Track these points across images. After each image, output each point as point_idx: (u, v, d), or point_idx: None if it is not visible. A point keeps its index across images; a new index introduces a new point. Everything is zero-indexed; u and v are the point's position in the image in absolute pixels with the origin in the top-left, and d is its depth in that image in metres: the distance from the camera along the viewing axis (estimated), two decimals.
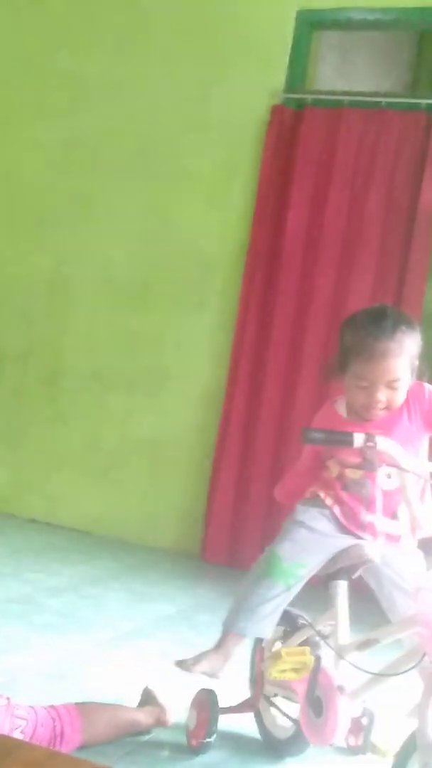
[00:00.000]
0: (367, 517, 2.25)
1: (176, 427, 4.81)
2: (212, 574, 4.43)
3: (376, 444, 1.97)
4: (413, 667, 1.93)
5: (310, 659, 2.17)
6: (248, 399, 4.58)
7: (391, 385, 2.16)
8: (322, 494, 2.29)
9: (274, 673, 2.23)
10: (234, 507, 4.59)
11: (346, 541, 2.24)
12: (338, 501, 2.27)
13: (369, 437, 1.98)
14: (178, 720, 2.51)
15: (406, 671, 1.98)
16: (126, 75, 4.98)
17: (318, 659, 2.17)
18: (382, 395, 2.16)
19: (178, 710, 2.55)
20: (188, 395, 4.80)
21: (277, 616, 2.31)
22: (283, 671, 2.22)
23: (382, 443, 1.99)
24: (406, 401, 2.21)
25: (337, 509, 2.27)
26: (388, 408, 2.18)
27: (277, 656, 2.23)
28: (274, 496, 2.50)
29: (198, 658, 2.36)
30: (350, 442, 1.99)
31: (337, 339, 2.31)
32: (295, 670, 2.21)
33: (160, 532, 4.79)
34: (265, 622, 2.31)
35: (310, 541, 2.26)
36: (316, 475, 2.34)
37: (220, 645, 2.38)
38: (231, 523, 4.59)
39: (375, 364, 2.15)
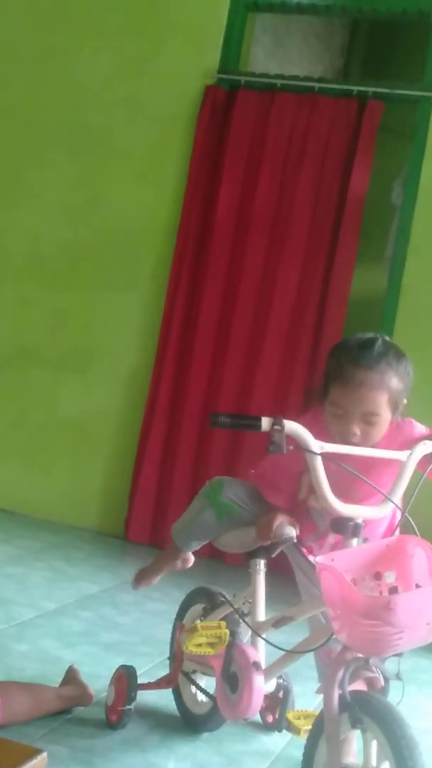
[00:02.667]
0: (309, 541, 2.25)
1: (102, 407, 4.79)
2: (136, 554, 4.44)
3: (283, 427, 1.94)
4: (322, 645, 1.99)
5: (225, 633, 2.21)
6: (174, 380, 4.59)
7: (367, 419, 2.07)
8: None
9: (190, 646, 2.26)
10: (158, 487, 4.60)
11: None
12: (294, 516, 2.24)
13: (276, 420, 1.94)
14: (99, 699, 2.52)
15: (315, 648, 2.04)
16: (58, 47, 4.90)
17: (234, 633, 2.21)
18: (356, 428, 2.07)
19: (101, 690, 2.56)
20: (115, 374, 4.78)
21: (202, 540, 2.45)
22: (199, 645, 2.25)
23: (290, 426, 1.96)
24: (392, 439, 2.12)
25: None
26: (363, 443, 2.08)
27: (193, 630, 2.26)
28: (250, 476, 2.40)
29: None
30: (258, 427, 1.96)
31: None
32: (211, 645, 2.24)
33: (84, 512, 4.77)
34: (192, 540, 2.46)
35: (256, 499, 2.29)
36: (292, 480, 2.26)
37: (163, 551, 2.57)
38: (155, 503, 4.60)
39: (351, 392, 2.06)
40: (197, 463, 4.57)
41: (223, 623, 2.25)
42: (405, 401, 2.15)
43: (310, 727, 2.03)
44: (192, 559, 2.56)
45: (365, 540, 2.11)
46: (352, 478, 2.03)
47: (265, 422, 1.96)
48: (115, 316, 4.79)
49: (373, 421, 2.08)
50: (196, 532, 2.44)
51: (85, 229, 4.85)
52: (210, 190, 4.58)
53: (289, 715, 2.15)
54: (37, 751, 1.42)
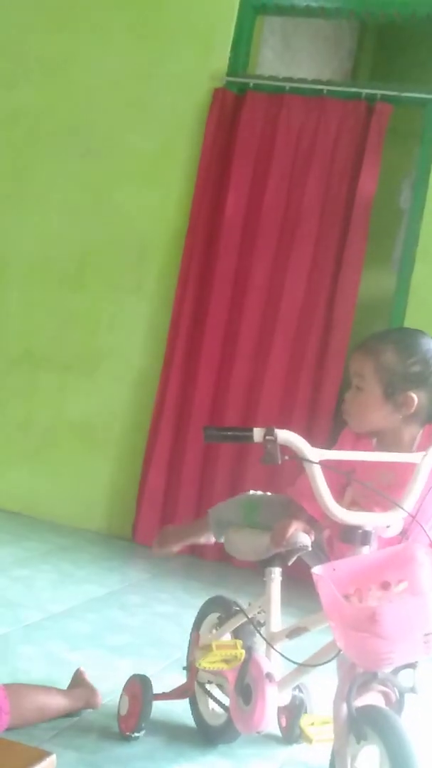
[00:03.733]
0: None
1: (110, 409, 4.79)
2: (143, 556, 4.44)
3: (276, 437, 1.89)
4: (333, 658, 1.93)
5: (240, 653, 2.15)
6: (182, 382, 4.59)
7: (355, 383, 2.14)
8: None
9: (204, 663, 2.22)
10: (165, 489, 4.60)
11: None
12: (331, 528, 2.18)
13: (268, 430, 1.90)
14: (107, 702, 2.52)
15: (327, 661, 1.97)
16: (66, 51, 4.91)
17: (249, 650, 2.16)
18: (348, 394, 2.15)
19: (108, 692, 2.55)
20: (122, 377, 4.78)
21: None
22: (213, 662, 2.21)
23: (283, 435, 1.91)
24: (425, 445, 2.08)
25: (326, 534, 2.22)
26: (351, 416, 2.14)
27: (207, 649, 2.21)
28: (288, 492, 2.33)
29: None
30: (249, 438, 1.92)
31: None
32: (226, 661, 2.20)
33: (91, 514, 4.78)
34: (219, 529, 2.45)
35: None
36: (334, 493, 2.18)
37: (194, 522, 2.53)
38: (162, 506, 4.60)
39: (352, 357, 2.17)
40: (204, 466, 4.57)
41: (239, 642, 2.19)
42: (411, 394, 2.09)
43: (322, 734, 2.00)
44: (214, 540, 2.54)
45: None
46: (383, 486, 1.99)
47: (257, 433, 1.92)
48: (123, 318, 4.79)
49: (359, 385, 2.12)
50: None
51: (92, 232, 4.85)
52: (218, 193, 4.59)
53: (302, 722, 2.10)
54: (45, 754, 1.41)
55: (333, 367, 4.43)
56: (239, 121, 4.56)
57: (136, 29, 4.81)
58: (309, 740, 2.07)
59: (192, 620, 2.95)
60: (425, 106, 4.40)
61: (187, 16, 4.73)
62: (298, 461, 1.94)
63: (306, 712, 2.33)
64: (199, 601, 3.71)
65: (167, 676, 2.75)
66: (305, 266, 4.46)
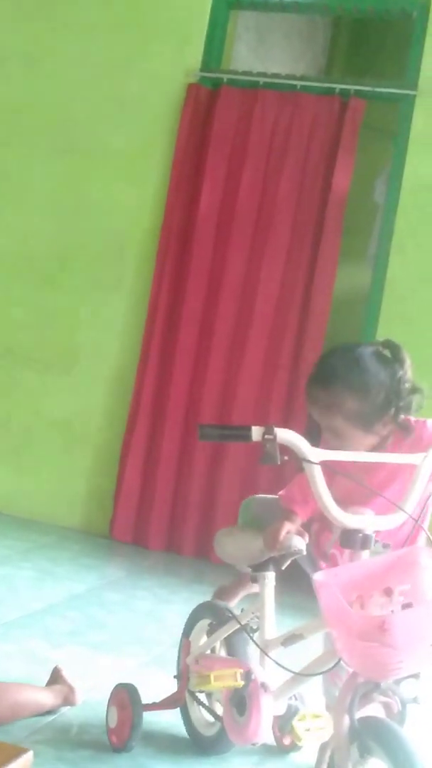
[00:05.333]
0: (330, 548, 2.15)
1: (88, 406, 4.78)
2: (121, 553, 4.44)
3: (275, 436, 1.82)
4: (332, 668, 1.87)
5: (239, 684, 2.05)
6: (158, 380, 4.59)
7: (334, 433, 2.05)
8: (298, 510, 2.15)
9: (197, 687, 2.16)
10: (142, 486, 4.60)
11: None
12: (318, 519, 2.16)
13: (267, 429, 1.82)
14: (86, 699, 2.52)
15: (326, 671, 1.91)
16: (41, 47, 4.89)
17: (249, 677, 2.04)
18: (329, 438, 2.06)
19: (87, 689, 2.56)
20: (100, 375, 4.77)
21: None
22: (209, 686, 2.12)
23: (282, 434, 1.83)
24: (399, 443, 2.06)
25: (315, 527, 2.19)
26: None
27: (204, 680, 2.11)
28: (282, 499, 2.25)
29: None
30: (248, 437, 1.84)
31: None
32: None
33: (70, 511, 4.77)
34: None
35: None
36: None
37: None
38: (139, 502, 4.60)
39: (311, 407, 2.07)
40: (181, 462, 4.57)
41: (239, 673, 2.05)
42: (388, 415, 2.05)
43: (311, 732, 1.97)
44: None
45: (386, 547, 2.03)
46: (371, 492, 1.94)
47: (256, 432, 1.84)
48: (101, 316, 4.78)
49: (340, 437, 2.04)
50: None
51: (70, 229, 4.83)
52: (193, 188, 4.58)
53: (295, 722, 2.04)
54: (22, 751, 1.42)
55: (309, 363, 4.42)
56: (213, 117, 4.56)
57: (111, 25, 4.80)
58: (298, 738, 2.04)
59: (171, 616, 2.98)
60: (399, 102, 4.42)
61: (161, 11, 4.72)
62: (297, 461, 1.88)
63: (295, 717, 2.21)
64: (177, 598, 3.72)
65: (146, 672, 2.76)
66: (280, 261, 4.47)
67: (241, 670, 2.04)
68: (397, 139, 4.43)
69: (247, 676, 2.03)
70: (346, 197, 4.44)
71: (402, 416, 2.07)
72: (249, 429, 1.85)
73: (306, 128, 4.46)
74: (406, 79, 4.39)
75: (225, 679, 2.05)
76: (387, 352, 2.09)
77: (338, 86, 4.48)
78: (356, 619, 1.66)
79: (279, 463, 1.82)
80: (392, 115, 4.51)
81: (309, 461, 1.86)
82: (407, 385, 2.07)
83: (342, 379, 2.02)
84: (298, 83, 4.54)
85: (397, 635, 1.59)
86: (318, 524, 2.16)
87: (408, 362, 2.09)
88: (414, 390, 2.08)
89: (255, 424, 1.87)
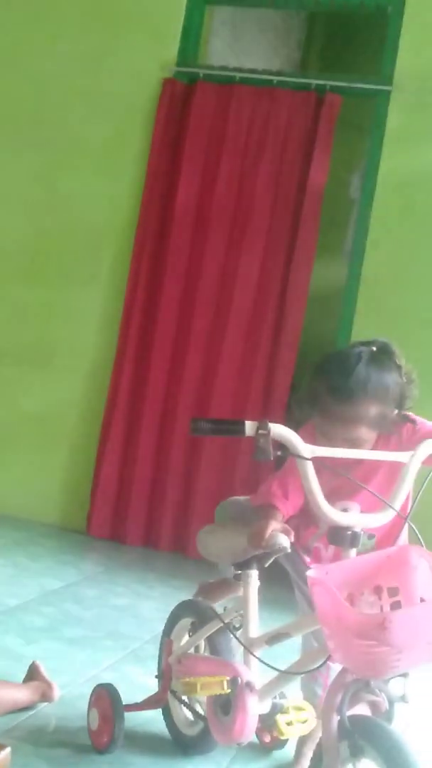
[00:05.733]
0: (314, 542, 2.14)
1: (64, 401, 4.77)
2: (98, 548, 4.43)
3: (269, 431, 1.79)
4: (320, 666, 1.85)
5: (226, 692, 2.00)
6: (135, 374, 4.58)
7: (350, 443, 2.00)
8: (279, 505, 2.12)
9: (183, 690, 2.12)
10: (119, 482, 4.59)
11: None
12: (297, 516, 2.13)
13: (261, 424, 1.80)
14: (64, 695, 2.51)
15: (314, 669, 1.89)
16: (16, 41, 4.86)
17: (235, 684, 1.98)
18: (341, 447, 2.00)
19: (64, 685, 2.55)
20: (76, 369, 4.76)
21: None
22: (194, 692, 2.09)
23: (276, 430, 1.81)
24: (386, 441, 2.06)
25: (292, 523, 2.13)
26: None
27: (191, 687, 2.06)
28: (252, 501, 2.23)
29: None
30: (241, 432, 1.81)
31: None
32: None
33: (46, 507, 4.75)
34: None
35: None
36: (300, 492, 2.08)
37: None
38: (116, 498, 4.59)
39: (329, 422, 2.01)
40: (158, 457, 4.57)
41: (226, 681, 2.01)
42: (392, 411, 2.04)
43: (293, 725, 1.96)
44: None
45: (371, 537, 2.03)
46: (357, 486, 1.93)
47: (249, 427, 1.81)
48: (76, 310, 4.76)
49: (357, 444, 2.01)
50: None
51: (44, 223, 4.81)
52: (169, 183, 4.58)
53: (278, 717, 2.01)
54: (0, 747, 1.41)
55: (286, 357, 4.45)
56: (190, 111, 4.55)
57: (85, 19, 4.78)
58: (281, 733, 2.01)
59: (148, 611, 2.97)
60: (374, 97, 4.43)
61: (136, 5, 4.70)
62: (279, 459, 1.85)
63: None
64: (155, 593, 3.72)
65: (123, 667, 2.75)
66: (257, 256, 4.47)
67: (228, 678, 2.01)
68: (372, 135, 4.44)
69: (234, 682, 2.00)
70: (323, 192, 4.45)
71: (403, 411, 2.07)
72: (242, 424, 1.82)
73: (282, 123, 4.47)
74: (382, 74, 4.41)
75: (212, 687, 2.02)
76: (374, 349, 2.07)
77: (314, 82, 4.49)
78: (355, 618, 1.64)
79: (272, 458, 1.80)
80: (368, 111, 4.53)
81: (302, 457, 1.85)
82: (412, 379, 2.07)
83: (363, 389, 1.98)
84: (274, 78, 4.55)
85: (397, 634, 1.59)
86: (298, 519, 2.15)
87: (401, 356, 2.09)
88: (413, 382, 2.08)
89: (240, 419, 1.85)
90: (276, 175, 4.48)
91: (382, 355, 2.05)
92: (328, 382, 2.00)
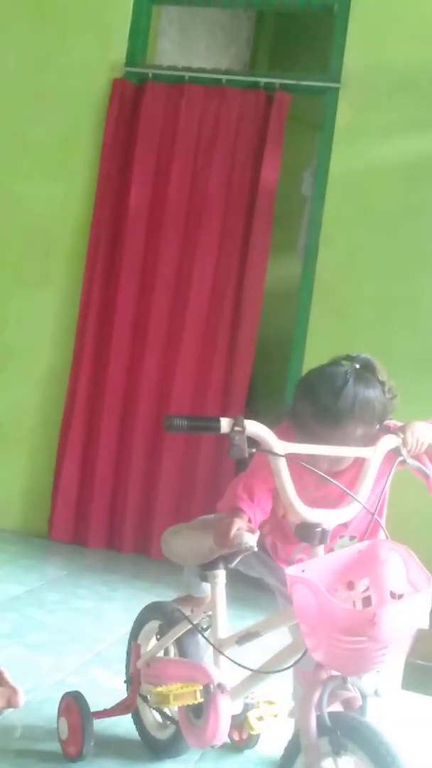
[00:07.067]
0: (297, 555, 2.12)
1: (21, 405, 4.73)
2: (60, 552, 4.41)
3: (244, 428, 1.78)
4: (295, 664, 1.84)
5: (199, 701, 1.98)
6: (93, 377, 4.56)
7: (334, 461, 2.01)
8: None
9: (157, 704, 2.08)
10: (80, 485, 4.57)
11: None
12: (273, 533, 2.15)
13: (237, 421, 1.79)
14: (29, 700, 2.49)
15: (287, 668, 1.88)
16: None
17: (208, 692, 1.97)
18: (324, 466, 1.99)
19: (30, 690, 2.53)
20: (32, 373, 4.72)
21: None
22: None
23: (252, 427, 1.81)
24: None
25: (268, 540, 2.16)
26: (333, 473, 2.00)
27: (164, 699, 2.02)
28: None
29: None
30: (216, 429, 1.80)
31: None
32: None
33: (6, 513, 4.71)
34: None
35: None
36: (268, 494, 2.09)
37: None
38: (77, 501, 4.57)
39: (315, 443, 1.97)
40: (118, 459, 4.55)
41: (198, 689, 1.98)
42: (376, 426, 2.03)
43: (264, 720, 1.95)
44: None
45: (352, 539, 2.03)
46: (335, 488, 1.92)
47: (225, 423, 1.80)
48: (31, 313, 4.73)
49: (338, 462, 2.01)
50: None
51: None
52: (121, 184, 4.56)
53: (249, 714, 2.01)
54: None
55: (243, 355, 4.46)
56: (140, 112, 4.54)
57: (32, 20, 4.74)
58: (251, 728, 2.01)
59: (112, 613, 2.96)
60: (324, 95, 4.45)
61: (83, 5, 4.68)
62: (246, 460, 1.85)
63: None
64: (119, 594, 3.71)
65: (89, 670, 2.74)
66: (212, 255, 4.48)
67: (201, 687, 1.99)
68: (322, 132, 4.46)
69: (207, 690, 1.97)
70: (275, 190, 4.47)
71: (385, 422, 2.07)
72: (218, 420, 1.81)
73: (233, 122, 4.48)
74: (330, 72, 4.43)
75: (185, 698, 2.00)
76: (358, 367, 2.05)
77: (263, 80, 4.51)
78: (342, 614, 1.62)
79: (246, 455, 1.79)
80: (317, 108, 4.55)
81: (275, 454, 1.84)
82: (395, 394, 2.07)
83: (350, 413, 1.97)
84: (224, 77, 4.55)
85: (386, 628, 1.58)
86: (278, 536, 2.14)
87: (384, 371, 2.08)
88: (395, 398, 2.08)
89: (216, 416, 1.84)
90: (228, 174, 4.49)
91: (367, 373, 2.04)
92: (315, 405, 1.98)
